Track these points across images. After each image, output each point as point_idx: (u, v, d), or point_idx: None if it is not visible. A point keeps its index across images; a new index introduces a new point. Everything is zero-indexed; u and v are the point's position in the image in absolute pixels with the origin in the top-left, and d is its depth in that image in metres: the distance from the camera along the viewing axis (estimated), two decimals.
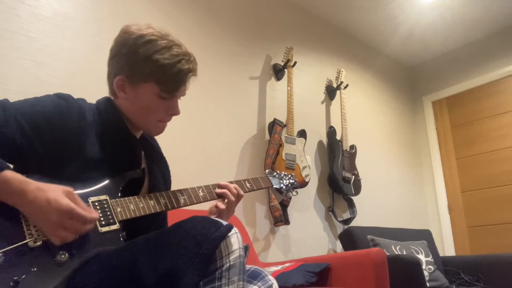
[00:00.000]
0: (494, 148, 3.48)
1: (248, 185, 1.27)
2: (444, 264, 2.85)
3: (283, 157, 2.47)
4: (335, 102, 3.19)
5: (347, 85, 3.18)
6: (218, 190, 1.17)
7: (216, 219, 0.86)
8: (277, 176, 1.43)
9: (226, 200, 1.15)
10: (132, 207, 0.99)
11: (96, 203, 0.94)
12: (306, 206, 2.73)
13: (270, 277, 1.01)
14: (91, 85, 1.85)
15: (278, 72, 2.81)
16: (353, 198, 2.93)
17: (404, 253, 2.54)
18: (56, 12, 1.86)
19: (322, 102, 3.14)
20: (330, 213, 2.84)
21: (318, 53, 3.20)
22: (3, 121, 0.89)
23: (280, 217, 2.39)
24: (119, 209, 0.97)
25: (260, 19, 2.83)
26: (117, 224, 0.95)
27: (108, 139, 1.03)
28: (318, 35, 3.25)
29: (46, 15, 1.83)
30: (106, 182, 0.99)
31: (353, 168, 2.95)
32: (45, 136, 0.92)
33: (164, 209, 1.06)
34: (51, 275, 0.82)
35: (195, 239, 0.80)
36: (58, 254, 0.84)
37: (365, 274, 1.81)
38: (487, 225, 3.43)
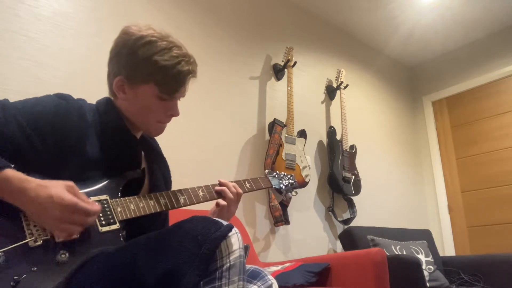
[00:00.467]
0: (494, 148, 3.48)
1: (247, 185, 1.27)
2: (444, 264, 2.85)
3: (283, 157, 2.47)
4: (335, 102, 3.19)
5: (347, 85, 3.18)
6: (217, 188, 1.18)
7: (217, 219, 0.86)
8: (276, 176, 1.43)
9: (225, 199, 1.16)
10: (132, 207, 0.99)
11: (97, 203, 0.94)
12: (306, 206, 2.73)
13: (270, 277, 1.02)
14: (91, 85, 1.85)
15: (278, 72, 2.81)
16: (353, 198, 2.93)
17: (404, 253, 2.54)
18: (56, 12, 1.87)
19: (322, 102, 3.14)
20: (330, 213, 2.85)
21: (318, 53, 3.20)
22: (3, 121, 0.89)
23: (280, 217, 2.39)
24: (119, 209, 0.97)
25: (260, 19, 2.83)
26: (117, 224, 0.95)
27: (108, 139, 1.03)
28: (318, 35, 3.25)
29: (46, 15, 1.83)
30: (106, 182, 0.99)
31: (353, 168, 2.95)
32: (45, 136, 0.92)
33: (164, 209, 1.06)
34: (51, 275, 0.82)
35: (195, 239, 0.80)
36: (59, 254, 0.84)
37: (365, 274, 1.81)
38: (487, 225, 3.43)
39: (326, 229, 2.82)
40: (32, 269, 0.81)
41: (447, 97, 3.87)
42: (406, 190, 3.65)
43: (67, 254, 0.85)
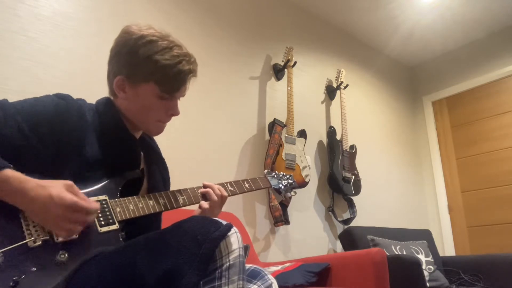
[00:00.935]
0: (494, 148, 3.48)
1: (247, 185, 1.27)
2: (444, 264, 2.85)
3: (283, 157, 2.47)
4: (335, 102, 3.19)
5: (347, 85, 3.18)
6: (201, 190, 1.16)
7: (216, 218, 0.86)
8: (275, 176, 1.43)
9: (208, 201, 1.13)
10: (131, 207, 0.99)
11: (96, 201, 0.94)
12: (306, 206, 2.73)
13: (270, 276, 1.02)
14: (91, 85, 1.85)
15: (278, 72, 2.81)
16: (353, 198, 2.93)
17: (404, 253, 2.54)
18: (56, 12, 1.87)
19: (322, 102, 3.14)
20: (330, 213, 2.85)
21: (318, 53, 3.20)
22: (2, 121, 0.89)
23: (280, 217, 2.39)
24: (118, 209, 0.97)
25: (260, 19, 2.83)
26: (117, 224, 0.95)
27: (108, 139, 1.03)
28: (318, 35, 3.25)
29: (46, 15, 1.83)
30: (106, 182, 0.99)
31: (353, 168, 2.95)
32: (44, 136, 0.92)
33: (163, 209, 1.06)
34: (50, 275, 0.82)
35: (195, 239, 0.80)
36: (58, 254, 0.84)
37: (365, 274, 1.81)
38: (487, 225, 3.43)
39: (326, 229, 2.82)
40: (32, 269, 0.81)
41: (447, 97, 3.87)
42: (406, 190, 3.65)
43: (66, 255, 0.85)
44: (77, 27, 1.92)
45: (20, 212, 0.85)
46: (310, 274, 1.89)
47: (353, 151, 3.03)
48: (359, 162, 3.03)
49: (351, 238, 2.56)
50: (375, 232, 2.65)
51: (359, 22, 3.39)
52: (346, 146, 2.95)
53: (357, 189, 2.90)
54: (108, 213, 0.95)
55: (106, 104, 1.08)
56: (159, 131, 1.13)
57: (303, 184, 2.53)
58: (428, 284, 2.40)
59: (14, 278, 0.78)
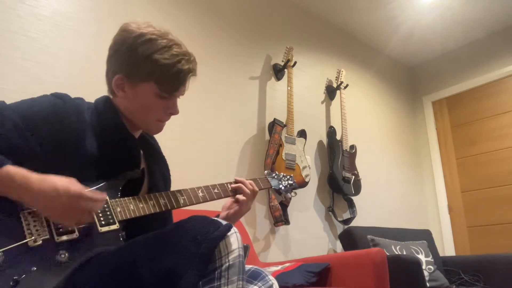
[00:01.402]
0: (494, 148, 3.48)
1: None
2: (444, 264, 2.85)
3: (283, 157, 2.47)
4: (335, 102, 3.19)
5: (347, 85, 3.18)
6: (233, 185, 1.21)
7: (216, 218, 0.86)
8: (276, 177, 1.43)
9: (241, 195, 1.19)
10: (131, 207, 0.99)
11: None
12: (306, 206, 2.73)
13: (271, 277, 1.01)
14: (91, 85, 1.84)
15: (278, 72, 2.81)
16: (353, 198, 2.93)
17: (404, 253, 2.54)
18: (56, 12, 1.87)
19: (322, 102, 3.14)
20: (330, 213, 2.85)
21: (318, 53, 3.20)
22: (0, 123, 0.88)
23: (280, 217, 2.39)
24: (118, 209, 0.97)
25: (260, 19, 2.83)
26: (117, 224, 0.95)
27: (107, 139, 1.02)
28: (318, 35, 3.25)
29: (46, 15, 1.83)
30: (106, 182, 0.99)
31: (353, 168, 2.95)
32: (43, 136, 0.92)
33: (163, 209, 1.06)
34: (51, 275, 0.82)
35: (194, 239, 0.80)
36: (58, 254, 0.84)
37: (365, 274, 1.81)
38: (487, 225, 3.43)
39: (326, 229, 2.82)
40: (32, 269, 0.81)
41: (447, 97, 3.87)
42: (406, 190, 3.65)
43: (66, 254, 0.85)
44: (77, 27, 1.92)
45: (21, 211, 0.85)
46: (310, 274, 1.89)
47: (353, 151, 3.03)
48: (359, 162, 3.03)
49: (351, 238, 2.56)
50: (375, 232, 2.65)
51: (359, 22, 3.39)
52: (346, 146, 2.95)
53: (357, 189, 2.90)
54: (108, 213, 0.95)
55: (105, 103, 1.07)
56: (159, 130, 1.13)
57: (303, 184, 2.53)
58: (428, 284, 2.40)
59: (14, 278, 0.78)
